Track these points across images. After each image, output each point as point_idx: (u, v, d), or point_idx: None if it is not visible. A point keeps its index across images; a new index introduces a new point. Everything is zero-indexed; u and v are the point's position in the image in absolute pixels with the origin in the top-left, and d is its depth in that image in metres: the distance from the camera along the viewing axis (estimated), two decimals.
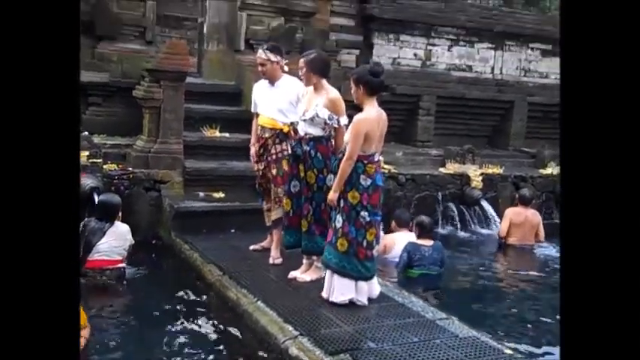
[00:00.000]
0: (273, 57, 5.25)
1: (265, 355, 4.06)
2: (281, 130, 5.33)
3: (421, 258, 6.05)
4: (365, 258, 4.41)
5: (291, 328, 4.06)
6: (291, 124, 5.19)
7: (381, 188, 4.46)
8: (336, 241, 4.41)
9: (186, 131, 7.23)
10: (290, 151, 5.08)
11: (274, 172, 5.36)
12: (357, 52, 9.78)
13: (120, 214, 5.66)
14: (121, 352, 4.26)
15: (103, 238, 5.35)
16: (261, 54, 5.30)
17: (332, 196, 4.42)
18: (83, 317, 3.88)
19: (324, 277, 4.80)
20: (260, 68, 5.34)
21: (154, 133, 7.04)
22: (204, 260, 5.56)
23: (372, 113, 4.35)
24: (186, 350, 4.32)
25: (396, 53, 9.88)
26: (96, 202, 5.84)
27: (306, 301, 4.52)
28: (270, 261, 5.36)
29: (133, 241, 5.60)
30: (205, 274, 5.36)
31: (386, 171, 8.16)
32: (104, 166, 6.61)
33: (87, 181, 6.19)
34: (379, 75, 4.37)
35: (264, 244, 5.68)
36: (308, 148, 4.78)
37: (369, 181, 4.33)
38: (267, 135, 5.37)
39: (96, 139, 6.92)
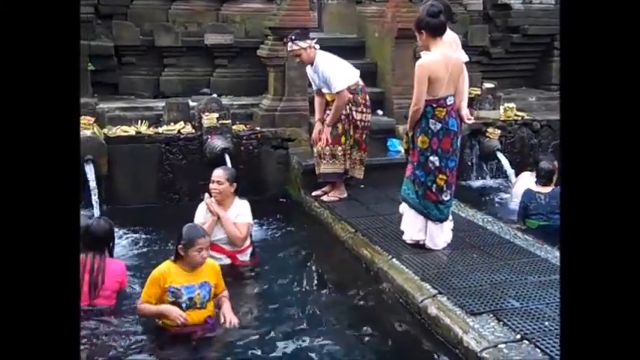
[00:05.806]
0: (302, 44, 5.58)
1: (403, 314, 3.97)
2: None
3: (537, 206, 5.64)
4: (437, 201, 4.41)
5: (428, 287, 3.94)
6: (338, 92, 5.58)
7: (454, 132, 4.38)
8: (412, 181, 4.50)
9: (310, 88, 7.16)
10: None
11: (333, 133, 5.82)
12: None
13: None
14: (261, 313, 4.30)
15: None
16: (291, 47, 5.65)
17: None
18: (221, 283, 3.98)
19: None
20: (297, 59, 5.80)
21: (279, 91, 7.05)
22: (334, 217, 5.53)
23: (436, 56, 4.26)
24: (323, 305, 4.30)
25: None
26: (228, 163, 5.94)
27: (444, 258, 4.38)
28: (320, 194, 5.99)
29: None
30: (337, 231, 5.33)
31: (519, 118, 7.77)
32: (233, 127, 6.71)
33: (218, 143, 6.32)
34: (437, 15, 4.24)
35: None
36: None
37: (438, 126, 4.31)
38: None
39: (224, 101, 7.03)
